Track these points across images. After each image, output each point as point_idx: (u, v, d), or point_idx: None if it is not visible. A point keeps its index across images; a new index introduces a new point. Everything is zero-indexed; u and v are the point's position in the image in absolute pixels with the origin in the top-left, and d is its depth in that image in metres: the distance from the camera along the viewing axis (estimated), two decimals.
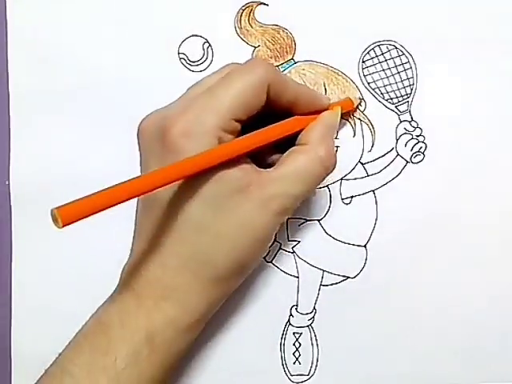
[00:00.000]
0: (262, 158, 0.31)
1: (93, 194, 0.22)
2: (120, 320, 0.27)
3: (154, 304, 0.27)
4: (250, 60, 0.29)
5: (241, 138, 0.27)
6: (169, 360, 0.28)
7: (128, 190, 0.23)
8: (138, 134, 0.29)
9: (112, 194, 0.23)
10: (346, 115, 0.35)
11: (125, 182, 0.23)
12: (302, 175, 0.28)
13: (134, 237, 0.30)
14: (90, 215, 0.22)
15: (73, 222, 0.21)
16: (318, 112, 0.31)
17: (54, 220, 0.21)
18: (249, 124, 0.29)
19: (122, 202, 0.23)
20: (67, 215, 0.21)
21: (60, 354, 0.28)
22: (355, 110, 0.35)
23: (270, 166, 0.30)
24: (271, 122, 0.29)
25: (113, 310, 0.28)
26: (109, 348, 0.26)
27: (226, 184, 0.26)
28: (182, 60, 0.36)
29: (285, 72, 0.35)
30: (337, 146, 0.35)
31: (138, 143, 0.29)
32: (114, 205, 0.22)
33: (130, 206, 0.29)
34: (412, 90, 0.35)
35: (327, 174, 0.30)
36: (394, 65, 0.35)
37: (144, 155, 0.29)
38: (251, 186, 0.27)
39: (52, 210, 0.21)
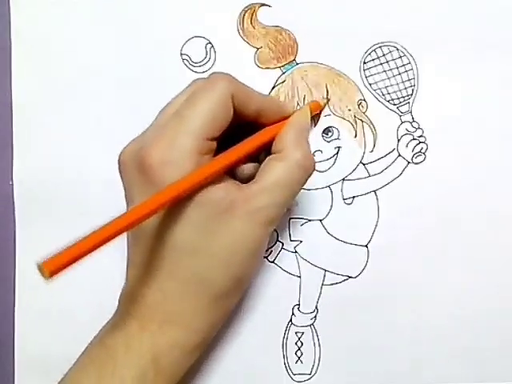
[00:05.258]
0: (235, 170, 0.31)
1: (81, 240, 0.22)
2: (125, 344, 0.27)
3: (158, 327, 0.27)
4: (212, 75, 0.29)
5: (218, 157, 0.27)
6: (174, 380, 0.29)
7: (113, 229, 0.23)
8: (118, 168, 0.29)
9: (98, 236, 0.22)
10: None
11: (109, 222, 0.23)
12: (283, 183, 0.28)
13: (127, 265, 0.30)
14: (80, 259, 0.22)
15: (62, 270, 0.21)
16: (285, 119, 0.31)
17: (41, 272, 0.21)
18: (220, 139, 0.28)
19: (108, 241, 0.22)
20: (54, 266, 0.21)
21: (65, 375, 0.29)
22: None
23: (245, 177, 0.30)
24: (241, 134, 0.29)
25: (117, 334, 0.28)
26: (115, 371, 0.27)
27: (210, 206, 0.26)
28: (185, 61, 0.36)
29: (287, 73, 0.35)
30: (338, 147, 0.35)
31: (120, 176, 0.29)
32: (102, 245, 0.22)
33: None
34: (413, 90, 0.35)
35: (309, 176, 0.29)
36: (395, 66, 0.35)
37: (127, 188, 0.28)
38: (235, 203, 0.27)
39: (38, 264, 0.21)
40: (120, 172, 0.29)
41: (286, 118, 0.31)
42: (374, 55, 0.35)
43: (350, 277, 0.35)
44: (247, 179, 0.29)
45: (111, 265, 0.33)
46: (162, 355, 0.27)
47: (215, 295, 0.28)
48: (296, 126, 0.30)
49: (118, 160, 0.29)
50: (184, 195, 0.25)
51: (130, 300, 0.29)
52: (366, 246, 0.35)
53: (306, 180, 0.29)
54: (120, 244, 0.31)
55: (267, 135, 0.29)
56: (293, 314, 0.35)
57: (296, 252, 0.36)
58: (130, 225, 0.23)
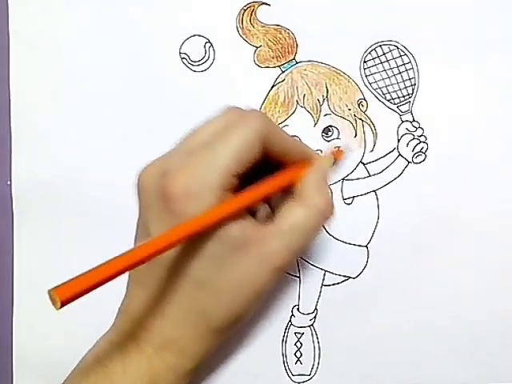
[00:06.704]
0: None
1: (97, 268, 0.22)
2: (123, 365, 0.27)
3: (155, 352, 0.28)
4: (247, 112, 0.28)
5: (240, 195, 0.27)
6: None
7: (130, 259, 0.23)
8: (137, 187, 0.28)
9: (115, 265, 0.22)
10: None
11: (127, 252, 0.23)
12: (302, 229, 0.28)
13: (130, 281, 0.30)
14: (95, 288, 0.21)
15: (75, 299, 0.21)
16: (307, 162, 0.30)
17: (52, 301, 0.20)
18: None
19: (125, 271, 0.22)
20: (66, 294, 0.20)
21: None
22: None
23: (255, 213, 0.30)
24: (260, 170, 0.29)
25: (115, 355, 0.28)
26: None
27: (227, 242, 0.26)
28: (184, 60, 0.36)
29: (286, 72, 0.35)
30: (338, 147, 0.35)
31: (138, 196, 0.28)
32: (118, 275, 0.22)
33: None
34: (414, 90, 0.35)
35: (326, 222, 0.29)
36: (395, 65, 0.35)
37: (144, 212, 0.28)
38: (250, 242, 0.27)
39: (49, 291, 0.20)
40: (138, 192, 0.28)
41: (308, 160, 0.30)
42: (374, 54, 0.35)
43: (349, 277, 0.35)
44: (258, 216, 0.29)
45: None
46: (158, 378, 0.28)
47: (213, 328, 0.28)
48: (319, 173, 0.29)
49: (137, 180, 0.28)
50: (204, 230, 0.25)
51: (129, 320, 0.29)
52: (366, 246, 0.35)
53: (323, 226, 0.29)
54: (120, 242, 0.31)
55: (289, 177, 0.29)
56: (292, 314, 0.35)
57: None
58: (148, 256, 0.23)
